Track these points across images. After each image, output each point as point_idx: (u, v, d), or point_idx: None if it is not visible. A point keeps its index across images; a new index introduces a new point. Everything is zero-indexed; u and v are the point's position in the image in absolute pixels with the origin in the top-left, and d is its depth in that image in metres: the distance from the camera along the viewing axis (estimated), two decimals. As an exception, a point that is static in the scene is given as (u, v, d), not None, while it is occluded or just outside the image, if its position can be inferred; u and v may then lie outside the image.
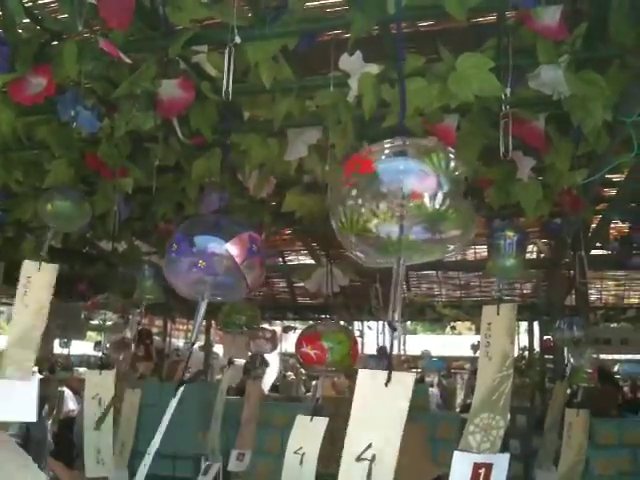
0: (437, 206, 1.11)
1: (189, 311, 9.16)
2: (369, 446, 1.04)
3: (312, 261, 5.87)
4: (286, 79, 2.14)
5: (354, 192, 1.15)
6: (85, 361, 13.02)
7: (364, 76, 2.06)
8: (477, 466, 1.40)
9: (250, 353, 4.13)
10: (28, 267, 2.00)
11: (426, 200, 1.11)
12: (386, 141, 1.22)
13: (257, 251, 1.42)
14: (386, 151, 1.20)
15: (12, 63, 2.03)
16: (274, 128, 2.36)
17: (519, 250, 2.32)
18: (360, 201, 1.12)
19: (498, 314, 1.67)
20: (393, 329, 1.06)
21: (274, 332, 4.01)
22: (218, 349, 11.45)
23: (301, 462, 1.61)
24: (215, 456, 3.16)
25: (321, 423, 1.67)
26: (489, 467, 1.42)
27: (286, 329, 8.80)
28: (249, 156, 2.58)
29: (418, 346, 12.08)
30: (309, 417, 1.70)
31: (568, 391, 3.36)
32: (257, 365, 4.22)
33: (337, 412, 1.75)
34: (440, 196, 1.12)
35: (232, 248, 1.38)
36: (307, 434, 1.67)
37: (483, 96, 1.99)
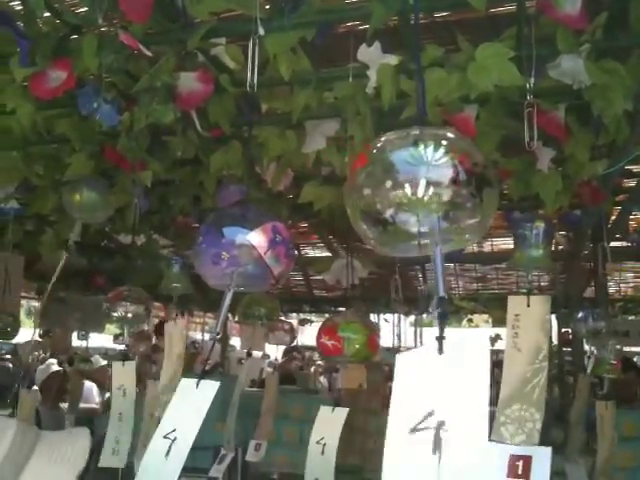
0: (452, 195, 1.10)
1: (206, 304, 9.20)
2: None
3: (329, 254, 5.88)
4: (304, 71, 2.13)
5: (367, 181, 1.14)
6: (103, 353, 13.14)
7: (383, 67, 2.06)
8: (514, 458, 1.39)
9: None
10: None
11: (440, 189, 1.09)
12: (399, 130, 1.21)
13: (281, 241, 1.43)
14: (397, 140, 1.18)
15: (32, 57, 2.04)
16: (292, 120, 2.36)
17: (546, 240, 2.30)
18: (375, 190, 1.11)
19: (528, 306, 1.65)
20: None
21: (292, 324, 4.01)
22: (235, 341, 11.51)
23: (323, 452, 1.62)
24: (230, 446, 3.18)
25: (341, 413, 1.68)
26: (528, 460, 1.40)
27: (302, 322, 8.81)
28: (267, 149, 2.59)
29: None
30: (331, 408, 1.70)
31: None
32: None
33: (354, 404, 1.77)
34: (455, 184, 1.10)
35: (255, 238, 1.38)
36: (328, 425, 1.67)
37: (502, 86, 1.98)
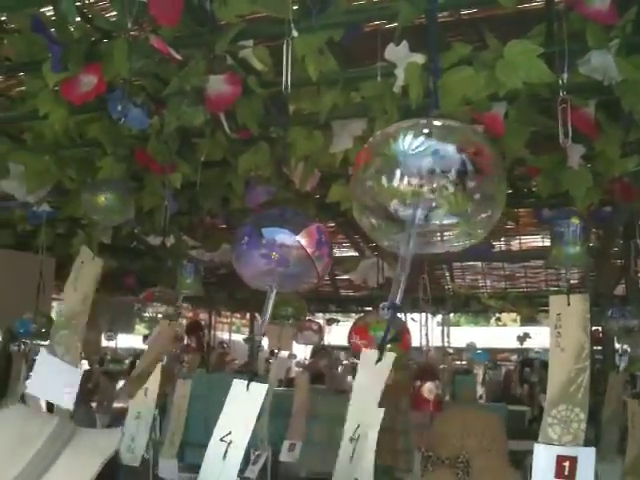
0: (458, 188, 1.08)
1: (233, 304, 9.27)
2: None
3: (355, 253, 5.88)
4: (332, 71, 2.14)
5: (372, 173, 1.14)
6: (132, 354, 13.30)
7: (410, 66, 2.05)
8: (561, 459, 1.38)
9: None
10: (84, 253, 2.07)
11: (446, 181, 1.08)
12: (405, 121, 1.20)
13: (325, 241, 1.45)
14: (404, 131, 1.17)
15: (64, 62, 2.08)
16: (319, 121, 2.37)
17: (583, 237, 2.27)
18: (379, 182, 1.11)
19: (569, 304, 1.64)
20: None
21: (320, 324, 4.02)
22: (262, 341, 11.58)
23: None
24: (264, 446, 3.20)
25: (378, 413, 1.67)
26: (573, 460, 1.39)
27: (329, 322, 8.83)
28: (295, 149, 2.60)
29: (462, 338, 11.96)
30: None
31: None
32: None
33: (382, 404, 1.75)
34: (461, 176, 1.08)
35: (303, 239, 1.40)
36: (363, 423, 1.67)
37: (531, 83, 1.96)
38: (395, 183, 1.07)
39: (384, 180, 1.10)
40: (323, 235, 1.46)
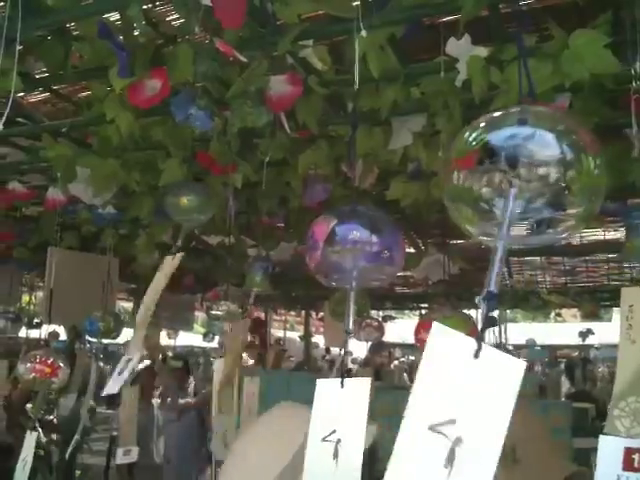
0: (558, 178, 1.04)
1: (289, 302, 9.35)
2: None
3: (411, 250, 5.85)
4: (392, 67, 2.14)
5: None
6: (190, 352, 13.55)
7: (472, 59, 2.03)
8: (629, 451, 1.35)
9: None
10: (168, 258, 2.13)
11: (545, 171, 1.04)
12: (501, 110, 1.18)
13: (397, 237, 1.45)
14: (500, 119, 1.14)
15: (130, 68, 2.13)
16: (379, 118, 2.36)
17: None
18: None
19: (641, 296, 1.60)
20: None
21: (380, 321, 4.01)
22: (317, 339, 11.63)
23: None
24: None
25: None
26: None
27: (384, 318, 8.81)
28: (355, 147, 2.60)
29: (521, 334, 11.77)
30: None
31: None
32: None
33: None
34: (562, 166, 1.04)
35: (377, 234, 1.40)
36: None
37: (597, 74, 1.92)
38: (490, 173, 1.05)
39: (479, 170, 1.07)
40: (395, 231, 1.46)
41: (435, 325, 0.99)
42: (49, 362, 2.83)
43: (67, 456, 3.87)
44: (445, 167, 1.20)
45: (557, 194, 1.04)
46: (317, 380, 1.10)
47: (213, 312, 3.08)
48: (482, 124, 1.13)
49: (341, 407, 1.08)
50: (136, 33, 2.19)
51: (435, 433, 0.90)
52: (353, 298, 1.41)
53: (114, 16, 2.30)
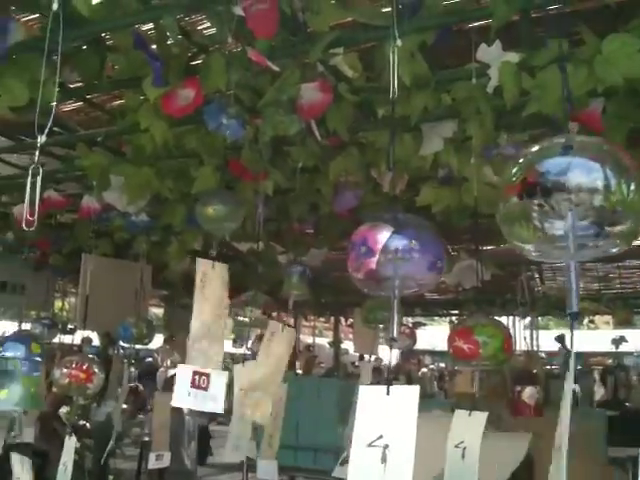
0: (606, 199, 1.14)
1: (318, 308, 9.36)
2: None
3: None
4: (423, 74, 2.14)
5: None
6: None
7: (504, 65, 2.03)
8: None
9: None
10: (202, 264, 2.14)
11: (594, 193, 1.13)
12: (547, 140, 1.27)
13: (437, 244, 1.45)
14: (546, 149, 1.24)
15: (164, 77, 2.17)
16: (410, 124, 2.36)
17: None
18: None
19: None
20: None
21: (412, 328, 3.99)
22: (346, 345, 11.61)
23: (463, 456, 1.62)
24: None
25: (480, 417, 1.67)
26: None
27: (415, 325, 8.76)
28: (385, 153, 2.61)
29: (554, 342, 11.59)
30: (467, 411, 1.69)
31: None
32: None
33: (475, 408, 1.74)
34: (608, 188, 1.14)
35: (429, 243, 1.42)
36: (466, 428, 1.67)
37: (631, 78, 1.90)
38: (546, 198, 1.16)
39: (536, 198, 1.17)
40: (438, 238, 1.46)
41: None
42: (84, 367, 2.88)
43: (102, 461, 3.91)
44: (501, 191, 1.29)
45: (605, 213, 1.15)
46: (360, 387, 1.11)
47: (240, 318, 3.10)
48: (533, 152, 1.26)
49: (388, 414, 1.09)
50: (169, 43, 2.23)
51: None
52: (397, 306, 1.42)
53: (147, 26, 2.35)
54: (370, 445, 1.07)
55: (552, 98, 2.03)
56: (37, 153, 1.43)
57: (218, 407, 2.01)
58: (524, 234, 1.21)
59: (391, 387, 1.08)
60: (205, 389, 2.07)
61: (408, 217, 1.49)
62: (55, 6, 1.40)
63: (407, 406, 1.08)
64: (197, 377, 2.09)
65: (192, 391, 2.10)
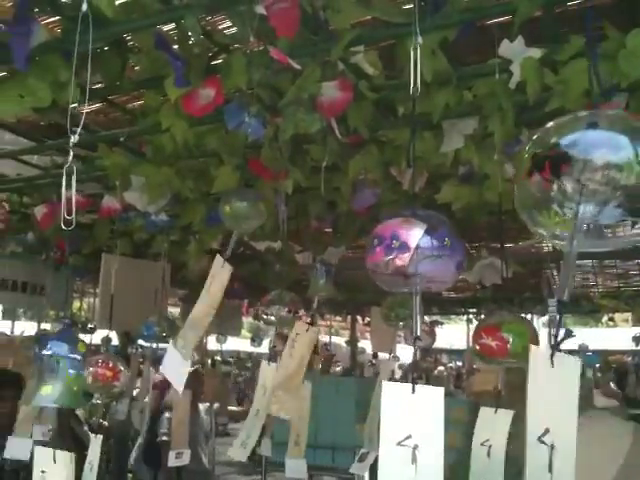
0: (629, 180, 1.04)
1: (335, 307, 9.36)
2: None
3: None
4: (444, 70, 2.13)
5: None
6: (236, 356, 13.67)
7: (526, 61, 2.02)
8: None
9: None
10: (217, 261, 2.16)
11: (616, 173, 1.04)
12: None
13: (457, 239, 1.44)
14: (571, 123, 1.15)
15: (186, 77, 2.17)
16: (431, 121, 2.35)
17: None
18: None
19: None
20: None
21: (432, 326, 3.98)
22: (363, 344, 11.62)
23: (488, 454, 1.62)
24: (372, 445, 3.20)
25: (506, 415, 1.66)
26: None
27: (432, 324, 8.74)
28: (405, 151, 2.60)
29: (572, 340, 11.52)
30: (493, 409, 1.69)
31: None
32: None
33: (499, 407, 1.74)
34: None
35: (435, 238, 1.40)
36: (492, 426, 1.66)
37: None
38: (562, 177, 1.05)
39: (551, 175, 1.08)
40: (447, 232, 1.45)
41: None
42: (110, 366, 2.89)
43: (133, 461, 3.95)
44: (517, 173, 1.20)
45: (629, 197, 1.04)
46: (384, 382, 1.11)
47: (265, 317, 3.11)
48: (552, 129, 1.16)
49: (414, 413, 1.08)
50: (190, 42, 2.24)
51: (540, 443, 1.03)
52: (420, 303, 1.41)
53: (167, 26, 2.36)
54: (399, 444, 1.07)
55: (575, 93, 2.02)
56: (71, 153, 1.44)
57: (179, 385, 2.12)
58: (544, 219, 1.12)
59: (416, 386, 1.08)
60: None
61: (439, 215, 1.48)
62: (85, 7, 1.41)
63: (434, 407, 1.08)
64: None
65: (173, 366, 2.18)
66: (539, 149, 1.13)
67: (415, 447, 1.05)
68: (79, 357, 1.89)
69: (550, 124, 1.18)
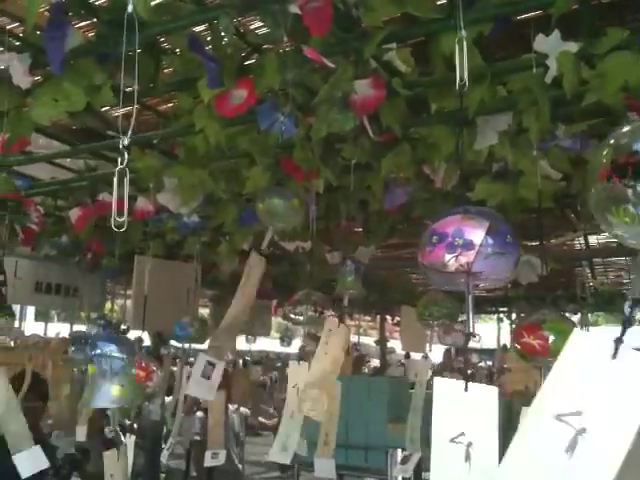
0: None
1: (364, 306, 9.33)
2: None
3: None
4: (479, 66, 2.10)
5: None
6: (265, 357, 13.73)
7: (563, 55, 1.98)
8: None
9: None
10: (253, 257, 2.16)
11: None
12: None
13: (511, 235, 1.43)
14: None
15: (219, 78, 2.18)
16: (468, 118, 2.33)
17: None
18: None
19: None
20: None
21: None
22: (392, 344, 11.56)
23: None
24: (414, 446, 3.19)
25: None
26: None
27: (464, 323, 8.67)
28: (438, 148, 2.58)
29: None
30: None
31: None
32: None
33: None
34: None
35: (497, 236, 1.39)
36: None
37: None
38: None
39: (628, 180, 1.11)
40: (508, 229, 1.44)
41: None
42: (143, 366, 2.92)
43: (165, 459, 3.98)
44: (590, 175, 1.22)
45: None
46: (435, 379, 1.10)
47: (294, 317, 3.12)
48: (628, 133, 1.18)
49: (467, 411, 1.07)
50: (223, 43, 2.24)
51: (560, 422, 0.97)
52: (472, 301, 1.40)
53: (199, 27, 2.38)
54: (452, 441, 1.06)
55: (613, 87, 1.99)
56: (125, 154, 1.45)
57: (210, 395, 2.09)
58: (618, 220, 1.15)
59: (469, 384, 1.07)
60: (209, 378, 2.15)
61: (493, 212, 1.47)
62: (130, 8, 1.42)
63: (487, 406, 1.06)
64: (206, 366, 2.19)
65: (200, 380, 2.17)
66: (620, 154, 1.14)
67: (469, 445, 1.04)
68: (131, 358, 1.91)
69: (626, 128, 1.20)
